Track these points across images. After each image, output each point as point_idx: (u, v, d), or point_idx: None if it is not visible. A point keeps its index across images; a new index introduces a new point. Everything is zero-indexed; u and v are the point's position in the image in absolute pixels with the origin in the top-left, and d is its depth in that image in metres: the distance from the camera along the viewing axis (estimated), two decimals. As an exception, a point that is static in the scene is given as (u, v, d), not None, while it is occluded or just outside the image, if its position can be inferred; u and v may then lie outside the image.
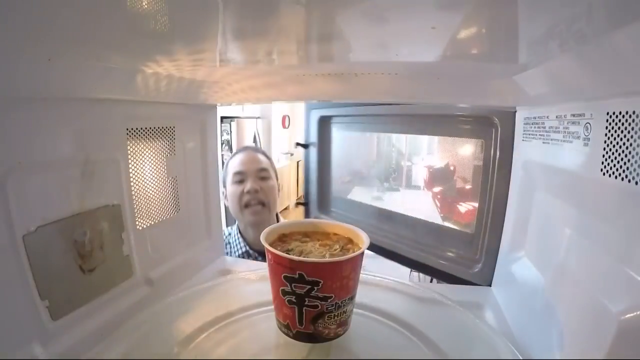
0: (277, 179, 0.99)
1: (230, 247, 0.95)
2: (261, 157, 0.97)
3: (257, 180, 0.92)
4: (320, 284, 0.31)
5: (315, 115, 0.91)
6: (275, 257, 0.32)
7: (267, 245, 0.34)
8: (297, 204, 1.11)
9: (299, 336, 0.34)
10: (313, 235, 0.40)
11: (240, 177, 0.92)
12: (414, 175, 0.90)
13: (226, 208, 0.96)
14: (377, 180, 0.93)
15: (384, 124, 0.82)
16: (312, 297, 0.32)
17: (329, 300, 0.32)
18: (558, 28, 0.25)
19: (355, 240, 0.38)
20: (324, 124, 0.92)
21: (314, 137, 0.92)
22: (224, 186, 0.96)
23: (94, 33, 0.29)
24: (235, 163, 0.94)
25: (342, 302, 0.33)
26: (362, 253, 0.34)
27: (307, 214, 0.98)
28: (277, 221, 0.98)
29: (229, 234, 0.98)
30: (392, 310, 0.43)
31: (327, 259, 0.33)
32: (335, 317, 0.33)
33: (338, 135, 0.91)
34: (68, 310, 0.37)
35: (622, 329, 0.24)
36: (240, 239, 0.94)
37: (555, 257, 0.36)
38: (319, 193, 0.94)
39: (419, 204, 0.82)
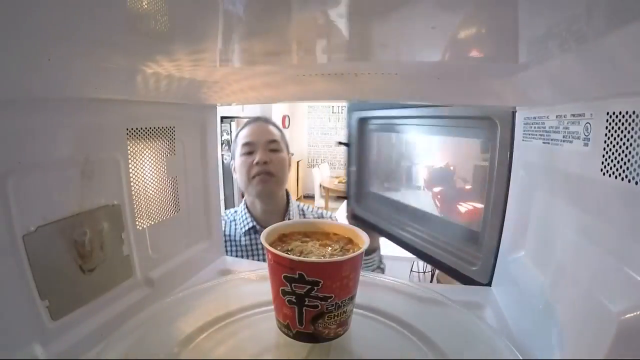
0: (288, 152, 0.96)
1: (236, 225, 0.92)
2: (272, 128, 0.94)
3: (267, 152, 0.88)
4: (320, 284, 0.31)
5: (355, 116, 0.96)
6: (275, 257, 0.32)
7: (267, 245, 0.33)
8: (338, 197, 1.17)
9: (299, 336, 0.34)
10: (313, 235, 0.40)
11: (250, 148, 0.89)
12: (414, 175, 0.92)
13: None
14: (393, 178, 0.97)
15: (412, 125, 0.85)
16: (312, 297, 0.32)
17: (329, 300, 0.32)
18: (558, 28, 0.25)
19: (355, 240, 0.38)
20: (362, 124, 0.97)
21: (353, 137, 0.98)
22: (233, 158, 0.94)
23: (94, 33, 0.29)
24: (244, 133, 0.91)
25: (342, 302, 0.33)
26: (363, 253, 0.34)
27: (348, 207, 1.03)
28: (287, 197, 0.96)
29: (235, 212, 0.95)
30: (392, 310, 0.43)
31: (327, 259, 0.33)
32: (336, 317, 0.33)
33: (374, 135, 0.97)
34: (68, 310, 0.37)
35: (622, 329, 0.24)
36: (248, 214, 0.91)
37: (555, 257, 0.36)
38: (356, 188, 1.00)
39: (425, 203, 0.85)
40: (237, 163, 0.91)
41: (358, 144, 0.97)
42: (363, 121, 0.96)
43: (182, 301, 0.45)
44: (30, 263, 0.33)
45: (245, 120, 1.03)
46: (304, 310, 0.32)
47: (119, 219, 0.44)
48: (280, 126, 1.00)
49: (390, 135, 0.92)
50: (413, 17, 0.26)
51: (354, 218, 0.97)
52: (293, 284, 0.32)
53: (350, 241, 0.38)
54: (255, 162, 0.87)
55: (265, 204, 0.91)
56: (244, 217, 0.92)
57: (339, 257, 0.33)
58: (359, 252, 0.34)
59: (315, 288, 0.31)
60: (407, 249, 0.78)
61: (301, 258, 0.33)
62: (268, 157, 0.88)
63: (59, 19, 0.25)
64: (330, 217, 1.01)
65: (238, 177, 0.92)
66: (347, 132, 0.99)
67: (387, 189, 0.95)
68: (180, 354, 0.35)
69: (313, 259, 0.33)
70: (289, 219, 0.91)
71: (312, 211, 1.01)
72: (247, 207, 0.93)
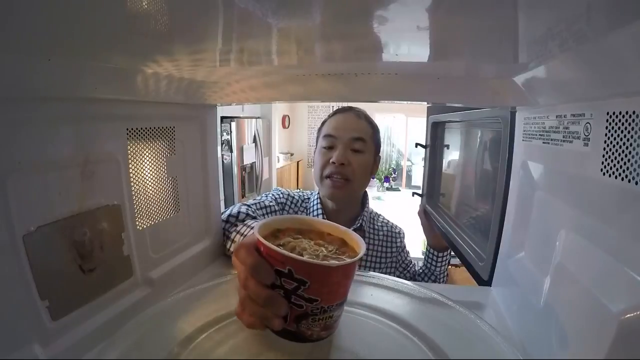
0: (377, 154, 0.85)
1: (307, 211, 0.85)
2: (363, 123, 0.81)
3: (348, 152, 0.77)
4: (307, 285, 0.29)
5: (430, 120, 1.02)
6: (267, 249, 0.31)
7: (260, 238, 0.32)
8: (414, 193, 1.16)
9: (281, 333, 0.33)
10: (307, 233, 0.38)
11: (330, 143, 0.79)
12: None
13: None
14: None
15: (464, 128, 0.89)
16: (299, 295, 0.30)
17: (315, 303, 0.30)
18: (558, 28, 0.25)
19: (350, 243, 0.36)
20: (435, 128, 1.02)
21: (429, 140, 1.04)
22: (316, 145, 0.86)
23: (94, 33, 0.29)
24: (330, 124, 0.82)
25: (328, 307, 0.31)
26: (357, 262, 0.32)
27: (421, 203, 1.07)
28: (362, 202, 0.87)
29: (307, 198, 0.87)
30: (392, 310, 0.43)
31: (317, 262, 0.30)
32: (320, 321, 0.31)
33: (442, 139, 1.02)
34: (68, 310, 0.37)
35: (622, 329, 0.24)
36: (320, 205, 0.83)
37: (555, 257, 0.36)
38: (428, 187, 1.06)
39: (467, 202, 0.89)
40: (316, 155, 0.83)
41: (432, 147, 1.03)
42: (435, 125, 1.01)
43: (182, 301, 0.45)
44: (30, 263, 0.33)
45: (245, 120, 0.99)
46: (289, 307, 0.31)
47: (119, 219, 0.44)
48: (375, 122, 0.86)
49: (452, 138, 0.97)
50: (412, 17, 0.26)
51: (425, 214, 0.99)
52: (282, 279, 0.30)
53: (344, 243, 0.36)
54: (332, 160, 0.77)
55: (336, 205, 0.82)
56: (316, 207, 0.84)
57: (330, 262, 0.31)
58: (353, 260, 0.31)
59: (302, 287, 0.30)
60: (451, 247, 0.80)
61: (292, 255, 0.31)
62: (347, 158, 0.76)
63: (59, 20, 0.25)
64: (399, 232, 0.91)
65: (314, 167, 0.84)
66: (425, 135, 1.06)
67: (447, 188, 0.99)
68: (180, 354, 0.35)
69: (305, 257, 0.31)
70: (359, 225, 0.83)
71: (381, 221, 0.91)
72: (319, 198, 0.85)
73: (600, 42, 0.25)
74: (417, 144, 1.11)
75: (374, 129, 0.84)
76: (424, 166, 1.10)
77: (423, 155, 1.12)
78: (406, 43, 0.35)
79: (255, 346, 0.38)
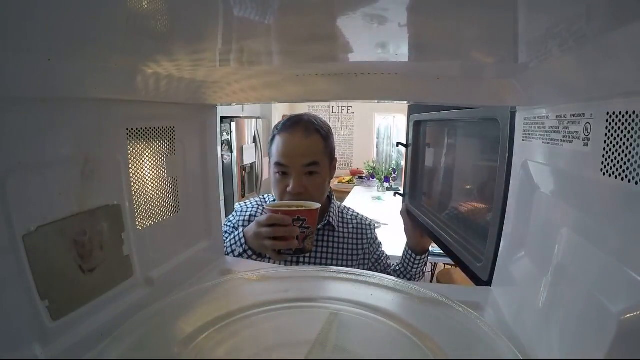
0: (331, 161, 0.83)
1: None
2: (314, 141, 0.77)
3: (303, 177, 0.76)
4: (306, 220, 0.65)
5: (412, 119, 1.01)
6: (283, 212, 0.65)
7: (275, 209, 0.67)
8: (395, 193, 1.17)
9: (296, 251, 0.66)
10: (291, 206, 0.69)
11: (284, 169, 0.77)
12: (448, 175, 0.94)
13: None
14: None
15: (449, 128, 0.88)
16: (303, 227, 0.65)
17: (309, 229, 0.66)
18: (558, 28, 0.25)
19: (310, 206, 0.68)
20: (418, 127, 1.01)
21: (411, 139, 1.04)
22: (269, 155, 0.83)
23: (94, 33, 0.29)
24: (279, 149, 0.77)
25: (313, 231, 0.67)
26: (319, 208, 0.68)
27: (403, 203, 1.06)
28: (329, 199, 0.88)
29: (274, 200, 0.86)
30: (392, 310, 0.43)
31: (311, 208, 0.67)
32: (310, 238, 0.67)
33: (425, 138, 1.02)
34: (68, 310, 0.37)
35: (622, 329, 0.24)
36: None
37: (555, 257, 0.36)
38: (410, 187, 1.05)
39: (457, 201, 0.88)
40: (271, 174, 0.81)
41: (414, 146, 1.03)
42: (418, 124, 1.00)
43: (182, 301, 0.45)
44: (30, 263, 0.33)
45: (245, 120, 0.98)
46: (299, 235, 0.65)
47: (119, 219, 0.44)
48: (327, 127, 0.83)
49: (436, 137, 0.96)
50: (412, 17, 0.26)
51: (408, 214, 0.98)
52: (294, 222, 0.64)
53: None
54: (288, 190, 0.76)
55: None
56: None
57: (315, 206, 0.67)
58: (318, 206, 0.68)
59: (304, 222, 0.65)
60: (442, 247, 0.80)
61: (299, 207, 0.66)
62: (303, 186, 0.76)
63: (59, 19, 0.25)
64: (370, 224, 0.93)
65: (272, 188, 0.83)
66: (406, 134, 1.05)
67: (432, 188, 0.98)
68: (180, 354, 0.35)
69: (304, 208, 0.66)
70: (326, 222, 0.85)
71: (351, 214, 0.93)
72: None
73: (600, 42, 0.25)
74: (398, 143, 1.09)
75: (326, 138, 0.80)
76: (405, 166, 1.09)
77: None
78: (405, 43, 0.35)
79: (255, 346, 0.38)
